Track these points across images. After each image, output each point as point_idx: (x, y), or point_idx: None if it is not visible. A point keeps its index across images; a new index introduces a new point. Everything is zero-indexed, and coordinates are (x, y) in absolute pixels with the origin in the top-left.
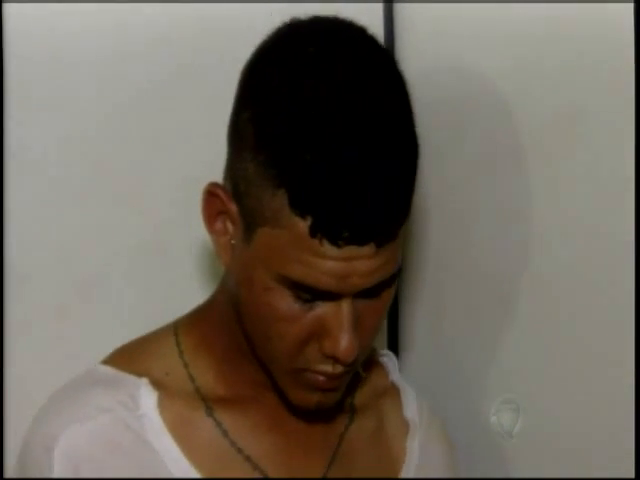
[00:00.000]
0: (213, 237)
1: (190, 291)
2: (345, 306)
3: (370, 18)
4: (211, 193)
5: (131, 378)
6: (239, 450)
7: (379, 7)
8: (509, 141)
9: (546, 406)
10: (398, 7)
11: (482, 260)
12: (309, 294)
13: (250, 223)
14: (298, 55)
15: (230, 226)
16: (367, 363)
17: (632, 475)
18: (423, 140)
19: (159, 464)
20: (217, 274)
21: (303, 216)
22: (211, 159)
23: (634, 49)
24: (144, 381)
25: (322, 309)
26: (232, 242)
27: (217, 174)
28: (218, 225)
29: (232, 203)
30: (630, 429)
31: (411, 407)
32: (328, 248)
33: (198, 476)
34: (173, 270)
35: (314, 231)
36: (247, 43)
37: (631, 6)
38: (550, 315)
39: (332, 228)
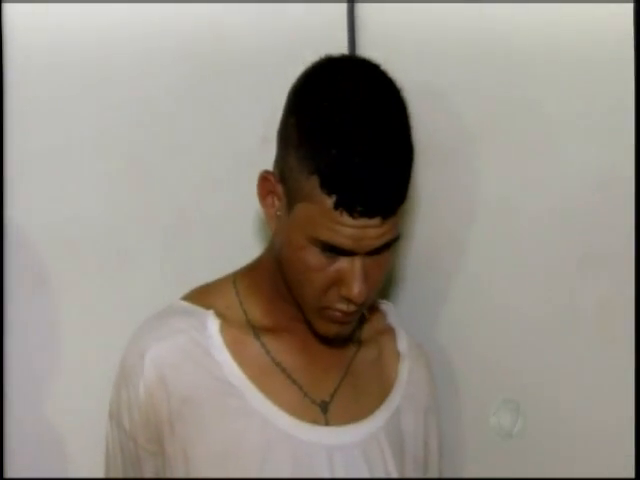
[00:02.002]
0: (264, 210)
1: (247, 251)
2: (358, 261)
3: (333, 19)
4: (264, 178)
5: (201, 310)
6: (278, 364)
7: (343, 7)
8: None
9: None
10: (359, 7)
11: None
12: (332, 251)
13: (291, 199)
14: (330, 83)
15: (277, 202)
16: (371, 308)
17: (632, 475)
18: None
19: (220, 372)
20: (265, 238)
21: (329, 195)
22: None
23: (634, 49)
24: (210, 312)
25: (341, 263)
26: (278, 214)
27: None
28: (268, 201)
29: (279, 185)
30: (630, 429)
31: (402, 343)
32: (347, 218)
33: (248, 381)
34: (235, 235)
35: (337, 206)
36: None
37: (631, 6)
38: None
39: (350, 204)
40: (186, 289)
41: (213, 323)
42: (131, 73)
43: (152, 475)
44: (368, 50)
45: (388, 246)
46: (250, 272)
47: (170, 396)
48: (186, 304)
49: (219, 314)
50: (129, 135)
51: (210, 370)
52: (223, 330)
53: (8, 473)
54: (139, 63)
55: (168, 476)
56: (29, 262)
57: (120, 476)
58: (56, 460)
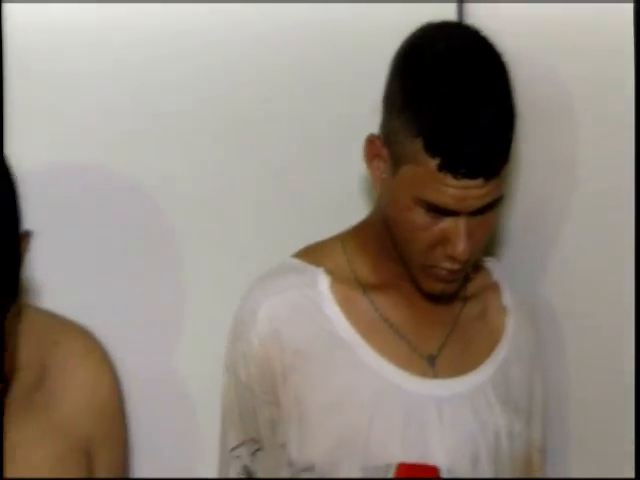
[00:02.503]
0: (370, 172)
1: (354, 213)
2: (462, 221)
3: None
4: (370, 141)
5: (312, 267)
6: (386, 320)
7: (453, 7)
8: None
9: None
10: (468, 7)
11: None
12: (437, 212)
13: (396, 162)
14: (433, 48)
15: (382, 164)
16: (476, 266)
17: (632, 475)
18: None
19: (331, 326)
20: (371, 200)
21: (434, 157)
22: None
23: (634, 49)
24: (321, 269)
25: (445, 223)
26: (383, 176)
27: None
28: (374, 164)
29: (384, 148)
30: (630, 429)
31: (507, 297)
32: (450, 180)
33: (357, 336)
34: (342, 197)
35: (441, 167)
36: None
37: (631, 6)
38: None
39: (453, 166)
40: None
41: (324, 280)
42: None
43: (268, 424)
44: None
45: (491, 206)
46: (357, 232)
47: (283, 349)
48: (297, 262)
49: (328, 271)
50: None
51: (321, 324)
52: (333, 287)
53: (135, 432)
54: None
55: (284, 425)
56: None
57: (237, 426)
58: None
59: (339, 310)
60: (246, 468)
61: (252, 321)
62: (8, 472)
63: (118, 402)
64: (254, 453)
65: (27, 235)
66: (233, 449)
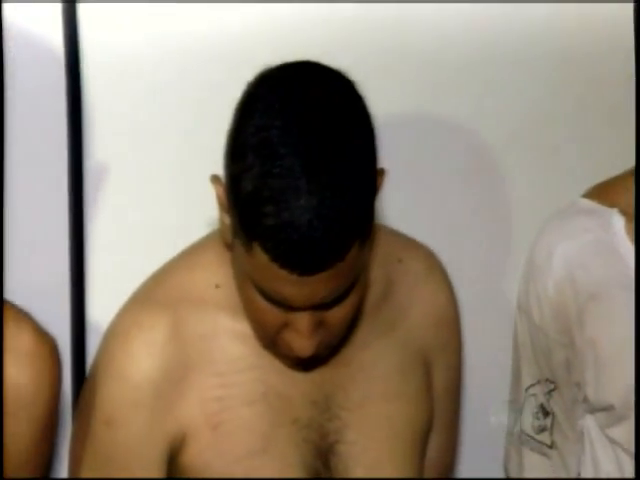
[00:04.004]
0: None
1: None
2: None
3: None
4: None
5: (605, 209)
6: None
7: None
8: None
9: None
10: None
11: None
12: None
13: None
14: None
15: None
16: None
17: (632, 475)
18: None
19: (626, 267)
20: None
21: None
22: None
23: (634, 49)
24: (615, 210)
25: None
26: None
27: None
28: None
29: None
30: None
31: None
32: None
33: None
34: None
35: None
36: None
37: (631, 6)
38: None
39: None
40: None
41: (618, 221)
42: None
43: (563, 364)
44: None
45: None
46: None
47: (577, 292)
48: (589, 203)
49: (623, 212)
50: None
51: (616, 266)
52: (627, 226)
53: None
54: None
55: (578, 366)
56: None
57: (531, 365)
58: None
59: (635, 250)
60: (542, 407)
61: (547, 265)
62: (357, 381)
63: (455, 315)
64: (549, 392)
65: (382, 172)
66: (528, 388)
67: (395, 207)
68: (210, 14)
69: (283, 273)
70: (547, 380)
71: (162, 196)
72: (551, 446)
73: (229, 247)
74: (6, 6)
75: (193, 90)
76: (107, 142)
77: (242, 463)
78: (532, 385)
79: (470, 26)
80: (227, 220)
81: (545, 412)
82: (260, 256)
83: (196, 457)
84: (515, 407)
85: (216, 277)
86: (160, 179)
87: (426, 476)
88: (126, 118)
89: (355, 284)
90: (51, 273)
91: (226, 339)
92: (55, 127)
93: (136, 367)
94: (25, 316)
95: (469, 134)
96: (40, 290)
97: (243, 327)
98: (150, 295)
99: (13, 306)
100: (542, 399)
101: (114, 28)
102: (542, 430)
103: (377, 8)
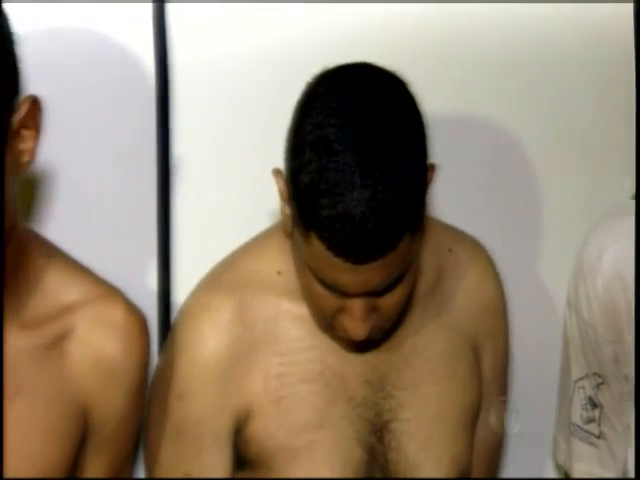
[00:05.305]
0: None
1: None
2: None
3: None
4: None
5: None
6: None
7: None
8: None
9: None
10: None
11: None
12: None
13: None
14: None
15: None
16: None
17: (632, 475)
18: None
19: None
20: None
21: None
22: None
23: (634, 49)
24: None
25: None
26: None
27: None
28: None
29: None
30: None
31: None
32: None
33: None
34: None
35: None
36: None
37: (631, 6)
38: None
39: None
40: None
41: None
42: None
43: (612, 359)
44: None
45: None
46: None
47: (626, 290)
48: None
49: None
50: None
51: None
52: None
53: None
54: None
55: (626, 361)
56: None
57: (580, 358)
58: None
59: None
60: (590, 399)
61: (597, 264)
62: (409, 363)
63: (502, 303)
64: (597, 386)
65: (433, 167)
66: (577, 380)
67: (446, 201)
68: (291, 21)
69: (338, 261)
70: (595, 374)
71: (238, 190)
72: (599, 436)
73: (289, 236)
74: (97, 14)
75: (264, 92)
76: (189, 141)
77: (301, 436)
78: (580, 378)
79: (511, 26)
80: (287, 211)
81: (593, 404)
82: (317, 245)
83: (260, 429)
84: (564, 398)
85: (278, 264)
86: (232, 175)
87: (475, 454)
88: (205, 117)
89: (407, 272)
90: (139, 264)
91: (287, 321)
92: (144, 126)
93: (205, 345)
94: (117, 292)
95: (509, 134)
96: (129, 276)
97: (302, 310)
98: (218, 279)
99: (105, 282)
100: (590, 392)
101: (202, 32)
102: (590, 421)
103: (423, 12)
